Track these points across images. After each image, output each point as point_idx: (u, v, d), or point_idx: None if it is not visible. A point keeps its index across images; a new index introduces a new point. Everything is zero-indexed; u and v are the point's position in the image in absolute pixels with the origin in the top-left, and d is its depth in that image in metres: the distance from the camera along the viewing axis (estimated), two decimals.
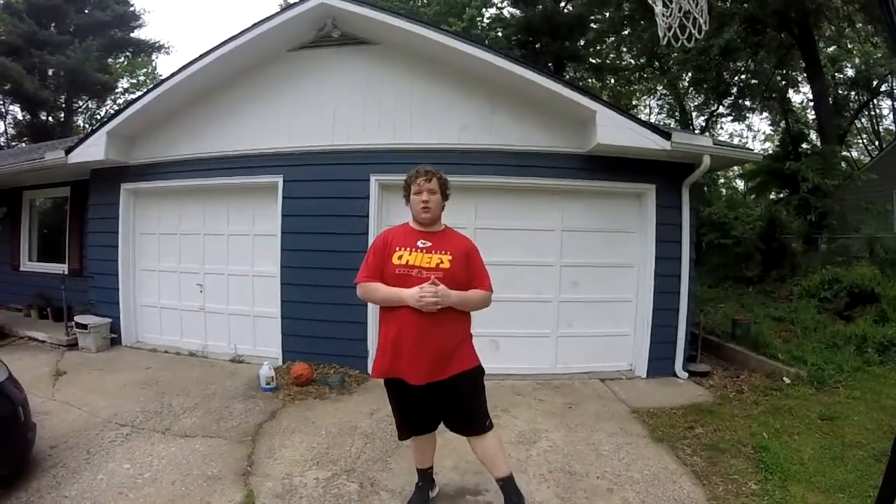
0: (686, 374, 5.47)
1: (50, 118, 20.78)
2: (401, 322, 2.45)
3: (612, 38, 17.63)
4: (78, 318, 6.33)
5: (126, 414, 4.20)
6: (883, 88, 18.77)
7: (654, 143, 5.04)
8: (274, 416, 4.30)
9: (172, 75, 5.83)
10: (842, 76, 18.37)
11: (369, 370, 5.39)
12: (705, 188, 13.46)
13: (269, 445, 3.71)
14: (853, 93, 19.28)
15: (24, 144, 17.71)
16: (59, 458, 3.37)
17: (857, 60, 17.33)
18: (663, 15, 2.58)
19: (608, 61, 19.06)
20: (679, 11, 2.55)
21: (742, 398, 4.83)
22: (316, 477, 3.24)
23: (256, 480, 3.19)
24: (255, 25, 5.46)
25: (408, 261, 2.51)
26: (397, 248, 2.55)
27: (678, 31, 2.68)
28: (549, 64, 16.09)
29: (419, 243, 2.56)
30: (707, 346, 6.25)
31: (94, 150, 6.24)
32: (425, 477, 2.92)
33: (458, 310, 2.53)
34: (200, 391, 4.85)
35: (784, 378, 5.23)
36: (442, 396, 2.55)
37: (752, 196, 16.79)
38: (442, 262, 2.50)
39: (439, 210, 2.65)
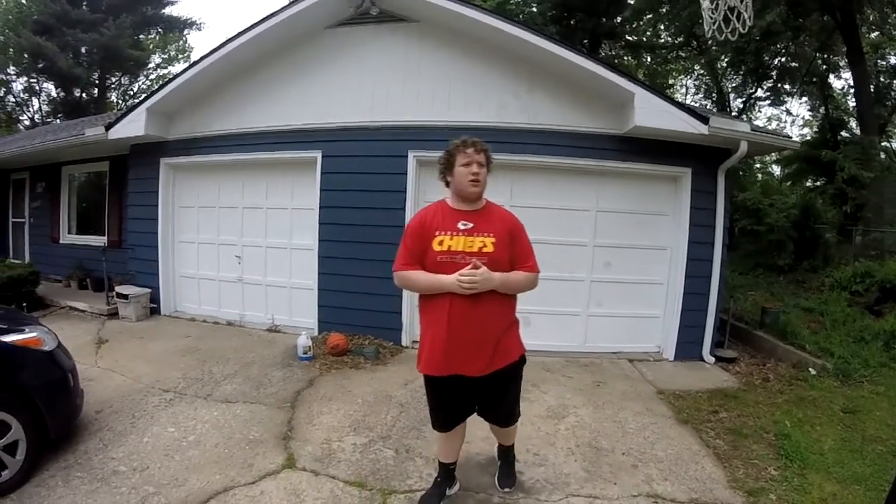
0: (713, 359, 5.48)
1: (84, 95, 21.06)
2: (448, 312, 2.27)
3: (650, 16, 17.14)
4: (119, 289, 6.55)
5: (168, 380, 4.37)
6: None
7: (691, 127, 4.98)
8: (311, 384, 4.45)
9: (211, 53, 5.91)
10: (884, 63, 17.60)
11: (403, 342, 5.56)
12: (741, 173, 13.17)
13: (307, 412, 3.85)
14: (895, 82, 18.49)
15: (58, 121, 18.12)
16: (105, 422, 3.52)
17: None
18: (710, 10, 2.57)
19: (645, 39, 18.51)
20: (724, 5, 2.54)
21: (767, 386, 4.84)
22: (353, 442, 3.37)
23: (296, 445, 3.32)
24: (292, 3, 5.50)
25: (449, 246, 2.30)
26: (437, 233, 2.34)
27: (722, 24, 2.67)
28: (585, 41, 15.72)
29: (460, 225, 2.34)
30: (735, 332, 6.21)
31: (134, 126, 6.40)
32: (447, 473, 2.74)
33: (503, 292, 2.37)
34: (239, 359, 5.02)
35: (810, 369, 5.20)
36: (488, 386, 2.44)
37: (788, 183, 16.39)
38: (485, 245, 2.30)
39: (485, 184, 2.42)
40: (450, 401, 2.51)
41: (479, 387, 2.43)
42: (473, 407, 2.59)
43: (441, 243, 2.31)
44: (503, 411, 2.61)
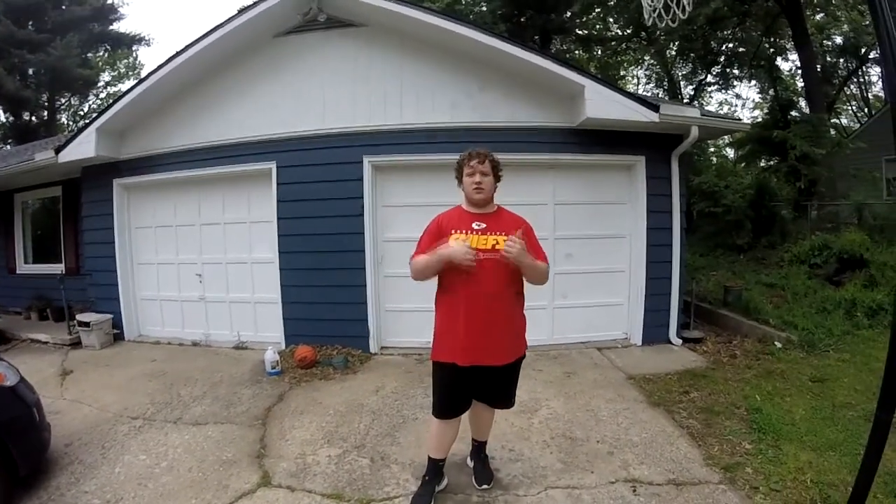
0: (680, 341, 5.59)
1: (33, 118, 20.36)
2: (465, 305, 2.47)
3: (599, 9, 17.44)
4: (80, 317, 6.33)
5: (136, 407, 4.25)
6: (872, 55, 18.59)
7: (642, 115, 5.08)
8: (282, 398, 4.38)
9: (159, 68, 5.77)
10: (829, 44, 18.27)
11: (371, 349, 5.53)
12: (695, 157, 13.49)
13: (279, 427, 3.79)
14: (842, 60, 19.20)
15: (8, 147, 17.45)
16: (75, 455, 3.41)
17: (845, 28, 17.21)
18: None
19: (595, 32, 18.86)
20: None
21: (735, 363, 4.95)
22: (328, 455, 3.33)
23: (271, 462, 3.26)
24: (239, 13, 5.45)
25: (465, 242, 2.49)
26: (453, 231, 2.53)
27: (662, 11, 2.71)
28: (536, 37, 15.89)
29: (474, 225, 2.55)
30: (700, 313, 6.36)
31: (84, 148, 6.21)
32: (436, 470, 2.80)
33: (516, 288, 2.61)
34: (207, 379, 4.91)
35: (775, 342, 5.35)
36: (501, 376, 2.63)
37: (742, 164, 16.81)
38: (498, 242, 2.47)
39: (492, 191, 2.65)
40: (458, 389, 2.64)
41: (494, 376, 2.61)
42: (473, 398, 2.74)
43: (457, 240, 2.49)
44: (507, 395, 2.80)
